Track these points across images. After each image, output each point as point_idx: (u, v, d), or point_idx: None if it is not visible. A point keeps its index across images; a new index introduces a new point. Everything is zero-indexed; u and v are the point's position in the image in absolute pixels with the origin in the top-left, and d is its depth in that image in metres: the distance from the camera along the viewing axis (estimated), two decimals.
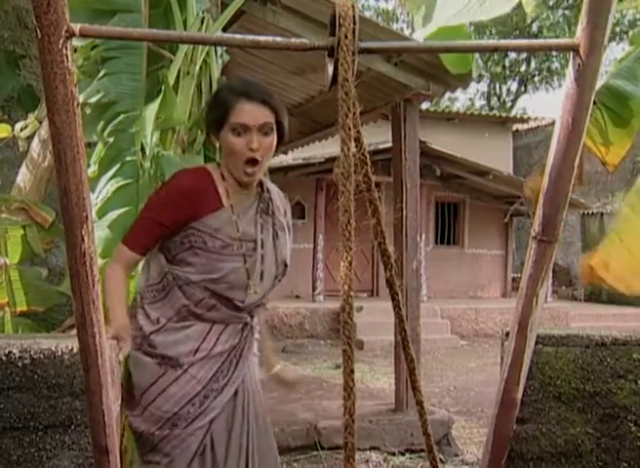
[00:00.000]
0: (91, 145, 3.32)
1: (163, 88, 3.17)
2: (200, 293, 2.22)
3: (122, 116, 3.21)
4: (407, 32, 26.44)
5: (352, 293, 1.23)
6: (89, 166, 3.16)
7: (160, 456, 2.24)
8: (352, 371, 1.25)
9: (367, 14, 22.58)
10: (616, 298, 16.97)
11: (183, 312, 2.24)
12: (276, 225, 2.37)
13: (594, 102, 2.86)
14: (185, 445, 2.23)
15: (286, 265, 2.40)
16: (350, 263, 1.21)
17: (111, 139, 3.19)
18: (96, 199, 3.04)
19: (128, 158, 3.15)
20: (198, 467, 2.26)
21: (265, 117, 2.18)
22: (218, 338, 2.28)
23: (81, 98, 3.19)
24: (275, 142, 2.24)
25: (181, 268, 2.23)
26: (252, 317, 2.37)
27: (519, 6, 3.13)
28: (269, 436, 2.45)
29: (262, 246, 2.30)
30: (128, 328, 2.22)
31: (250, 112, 2.16)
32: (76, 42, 3.24)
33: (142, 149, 3.13)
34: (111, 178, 3.11)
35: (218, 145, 2.31)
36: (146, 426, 2.23)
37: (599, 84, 3.22)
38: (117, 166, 3.14)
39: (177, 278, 2.23)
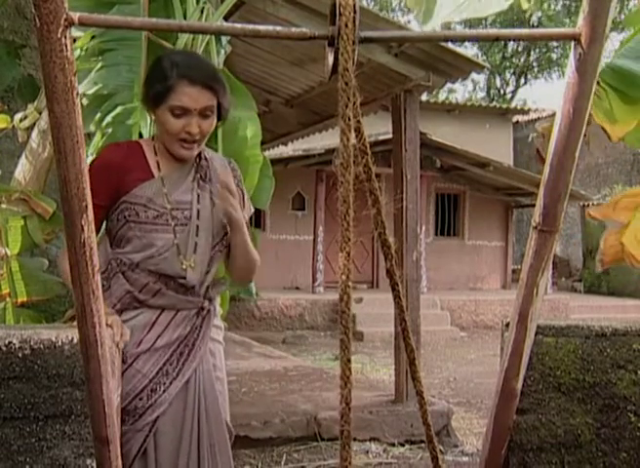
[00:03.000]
0: (90, 136, 3.31)
1: None
2: (144, 278, 2.16)
3: (120, 108, 3.21)
4: (403, 21, 26.40)
5: (350, 284, 1.22)
6: (87, 157, 3.16)
7: None
8: (349, 361, 1.24)
9: (363, 3, 22.51)
10: (616, 290, 17.00)
11: (126, 299, 2.17)
12: (213, 193, 2.28)
13: (597, 83, 2.84)
14: (133, 442, 2.14)
15: (226, 232, 2.29)
16: (349, 254, 1.21)
17: (109, 131, 3.18)
18: None
19: None
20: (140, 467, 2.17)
21: (207, 101, 2.14)
22: (165, 327, 2.21)
23: (79, 90, 3.19)
24: (215, 123, 2.22)
25: (123, 250, 2.17)
26: (209, 300, 2.30)
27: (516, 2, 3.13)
28: (222, 433, 2.31)
29: (199, 216, 2.23)
30: (114, 312, 2.14)
31: (191, 96, 2.11)
32: (75, 33, 3.24)
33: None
34: None
35: (152, 119, 2.27)
36: None
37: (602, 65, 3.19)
38: None
39: (120, 263, 2.16)
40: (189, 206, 2.23)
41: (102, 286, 2.11)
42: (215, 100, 2.17)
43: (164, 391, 2.18)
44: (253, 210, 2.53)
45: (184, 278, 2.20)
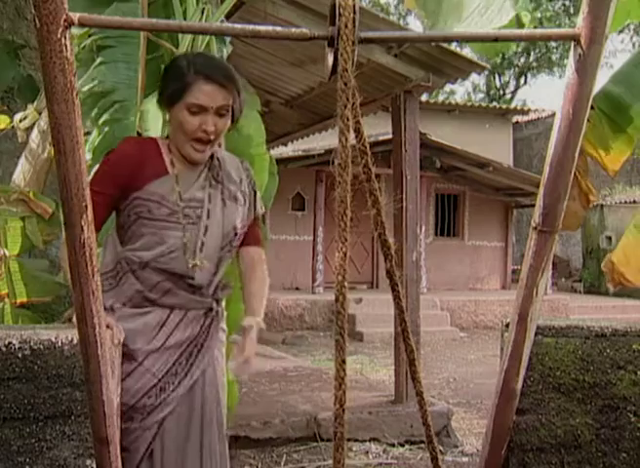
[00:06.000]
0: (86, 135, 3.31)
1: None
2: (155, 277, 2.16)
3: (117, 105, 3.20)
4: (401, 24, 26.28)
5: (346, 284, 1.23)
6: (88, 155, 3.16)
7: None
8: (344, 361, 1.24)
9: (363, 4, 22.48)
10: (616, 291, 16.96)
11: (137, 298, 2.17)
12: (224, 194, 2.29)
13: (592, 107, 2.83)
14: (142, 440, 2.16)
15: (236, 234, 2.30)
16: (345, 254, 1.21)
17: (106, 129, 3.18)
18: None
19: None
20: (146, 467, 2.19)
21: (223, 99, 2.14)
22: (176, 326, 2.21)
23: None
24: (229, 124, 2.22)
25: (133, 247, 2.16)
26: (217, 302, 2.31)
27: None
28: (224, 442, 2.35)
29: (209, 216, 2.23)
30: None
31: (208, 94, 2.12)
32: (73, 30, 3.23)
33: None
34: None
35: (167, 118, 2.26)
36: None
37: (597, 87, 3.19)
38: None
39: (131, 262, 2.15)
40: (201, 204, 2.22)
41: (110, 284, 2.15)
42: (230, 100, 2.17)
43: (172, 390, 2.19)
44: (263, 209, 2.51)
45: (193, 278, 2.20)
